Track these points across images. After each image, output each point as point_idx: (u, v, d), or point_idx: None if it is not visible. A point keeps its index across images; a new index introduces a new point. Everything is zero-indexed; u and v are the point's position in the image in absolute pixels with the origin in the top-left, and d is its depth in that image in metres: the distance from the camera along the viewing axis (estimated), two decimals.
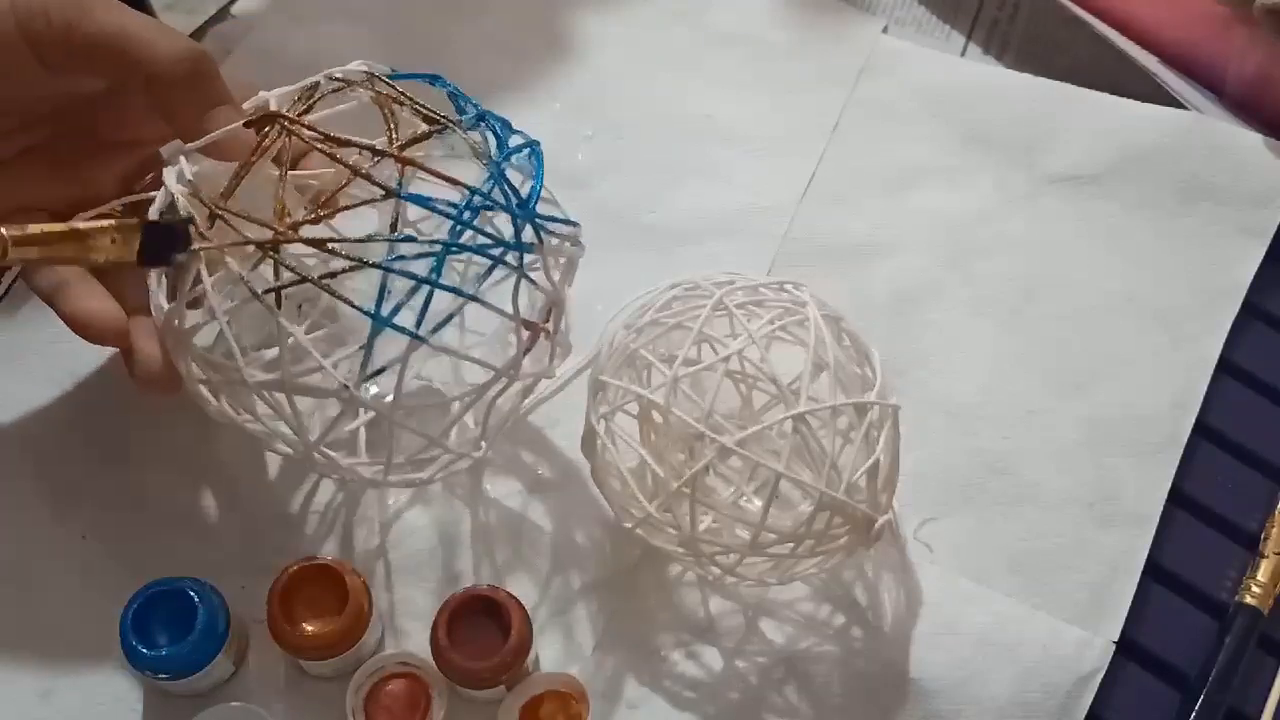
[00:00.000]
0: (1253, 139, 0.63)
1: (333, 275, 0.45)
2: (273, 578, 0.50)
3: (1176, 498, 0.56)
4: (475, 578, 0.54)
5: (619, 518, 0.51)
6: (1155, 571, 0.55)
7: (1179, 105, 0.64)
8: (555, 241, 0.49)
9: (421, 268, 0.45)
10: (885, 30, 0.68)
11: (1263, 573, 0.54)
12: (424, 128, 0.48)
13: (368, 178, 0.46)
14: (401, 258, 0.45)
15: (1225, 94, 0.66)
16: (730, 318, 0.49)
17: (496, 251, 0.46)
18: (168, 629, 0.49)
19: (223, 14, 0.67)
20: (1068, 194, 0.63)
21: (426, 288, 0.44)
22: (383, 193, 0.45)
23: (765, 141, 0.65)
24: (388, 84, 0.49)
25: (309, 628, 0.50)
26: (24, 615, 0.53)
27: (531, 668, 0.51)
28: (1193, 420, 0.57)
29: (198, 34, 0.66)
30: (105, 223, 0.45)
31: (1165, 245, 0.62)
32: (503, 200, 0.46)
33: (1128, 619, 0.53)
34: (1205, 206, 0.62)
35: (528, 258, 0.47)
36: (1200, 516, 0.56)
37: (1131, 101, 0.64)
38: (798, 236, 0.62)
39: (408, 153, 0.47)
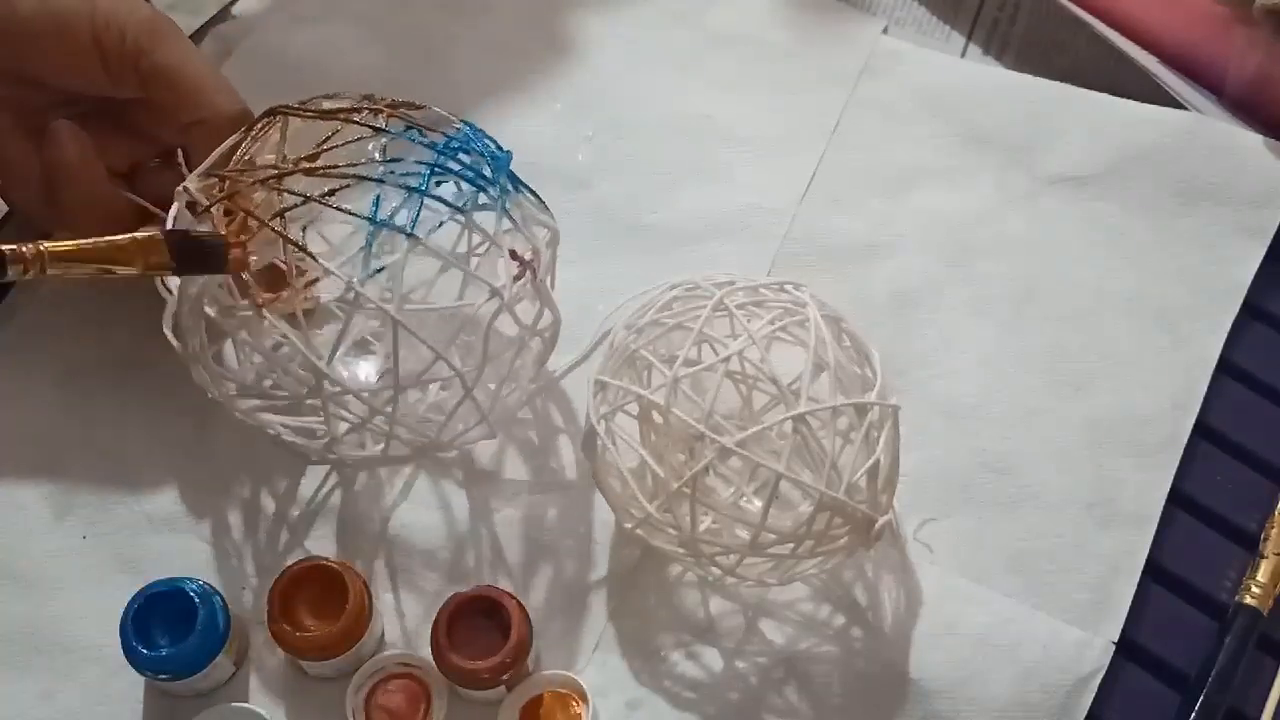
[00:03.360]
0: (1253, 139, 0.63)
1: (331, 193, 0.47)
2: (273, 578, 0.50)
3: (1176, 498, 0.56)
4: (475, 578, 0.54)
5: (619, 518, 0.51)
6: (1155, 572, 0.55)
7: (1179, 105, 0.64)
8: (529, 204, 0.50)
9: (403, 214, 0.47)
10: (885, 31, 0.68)
11: (1262, 573, 0.54)
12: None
13: (362, 124, 0.48)
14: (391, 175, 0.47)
15: (1225, 94, 0.66)
16: (730, 318, 0.49)
17: (472, 186, 0.48)
18: (168, 629, 0.49)
19: (224, 14, 0.67)
20: (1068, 194, 0.63)
21: (413, 206, 0.47)
22: (373, 132, 0.48)
23: (765, 142, 0.65)
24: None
25: (309, 628, 0.50)
26: (24, 615, 0.53)
27: (531, 668, 0.52)
28: (1193, 420, 0.57)
29: (199, 34, 0.66)
30: (127, 236, 0.46)
31: (1165, 245, 0.62)
32: (481, 150, 0.49)
33: (1128, 619, 0.53)
34: (1205, 207, 0.62)
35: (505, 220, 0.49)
36: (1200, 516, 0.56)
37: (1131, 102, 0.64)
38: (798, 237, 0.62)
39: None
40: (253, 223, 0.47)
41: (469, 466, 0.56)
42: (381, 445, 0.51)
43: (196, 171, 0.49)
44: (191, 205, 0.49)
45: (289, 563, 0.51)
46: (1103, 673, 0.52)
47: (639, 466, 0.50)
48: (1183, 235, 0.62)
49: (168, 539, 0.55)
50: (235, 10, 0.68)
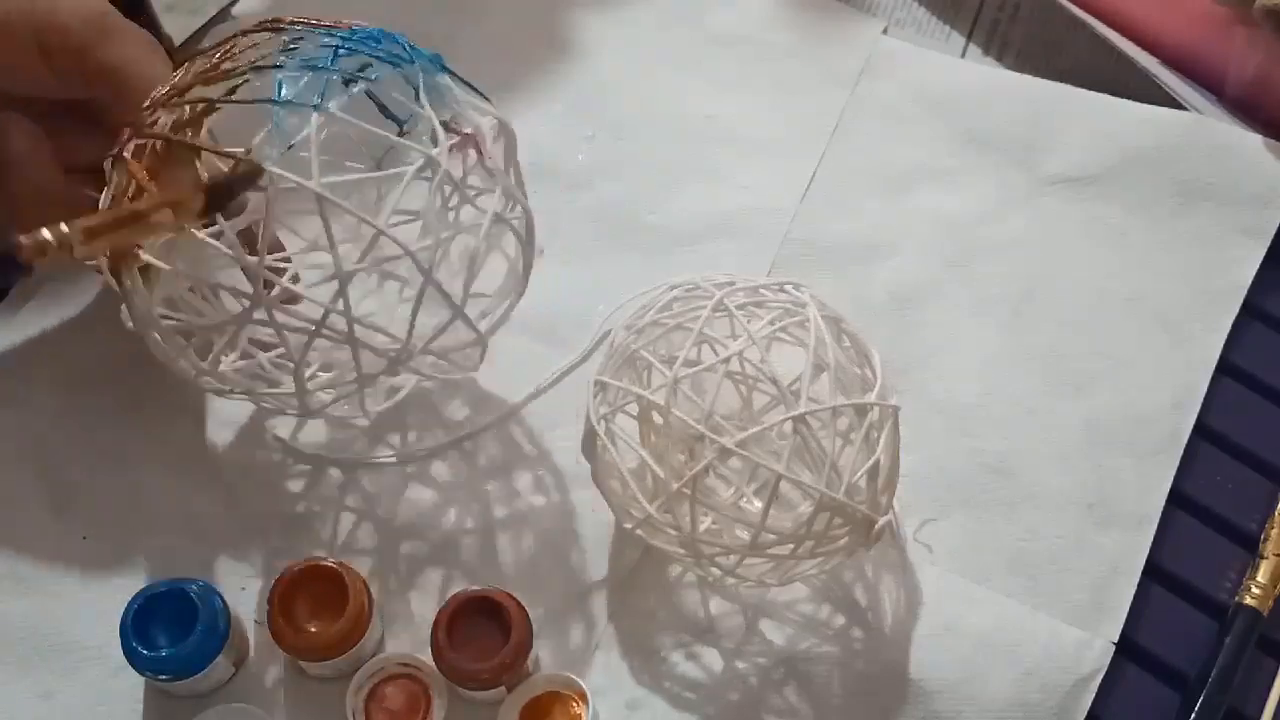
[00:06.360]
0: (1253, 139, 0.63)
1: (232, 90, 0.46)
2: (273, 578, 0.50)
3: (1176, 498, 0.56)
4: (475, 578, 0.54)
5: (619, 518, 0.51)
6: (1155, 572, 0.55)
7: (1179, 106, 0.64)
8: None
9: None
10: (885, 31, 0.68)
11: (1262, 574, 0.54)
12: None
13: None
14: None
15: (1225, 95, 0.66)
16: (730, 318, 0.49)
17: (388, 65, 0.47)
18: (168, 630, 0.49)
19: (223, 14, 0.67)
20: (1068, 195, 0.63)
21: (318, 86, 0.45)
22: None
23: (765, 142, 0.65)
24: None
25: (309, 628, 0.50)
26: (24, 615, 0.53)
27: (531, 668, 0.52)
28: (1193, 420, 0.57)
29: (198, 34, 0.66)
30: (163, 197, 0.45)
31: (1165, 246, 0.62)
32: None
33: (1128, 619, 0.53)
34: (1205, 207, 0.62)
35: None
36: (1200, 517, 0.56)
37: (1131, 102, 0.64)
38: (798, 237, 0.62)
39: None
40: (159, 146, 0.45)
41: (468, 467, 0.56)
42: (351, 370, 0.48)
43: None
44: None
45: (289, 563, 0.51)
46: (1103, 673, 0.52)
47: (639, 467, 0.50)
48: (1183, 235, 0.62)
49: (168, 539, 0.55)
50: (235, 10, 0.68)
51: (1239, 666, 0.52)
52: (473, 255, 0.48)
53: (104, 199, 0.48)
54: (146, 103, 0.48)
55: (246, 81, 0.46)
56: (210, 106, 0.46)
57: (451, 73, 0.49)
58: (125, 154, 0.47)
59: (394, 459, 0.56)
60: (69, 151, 0.53)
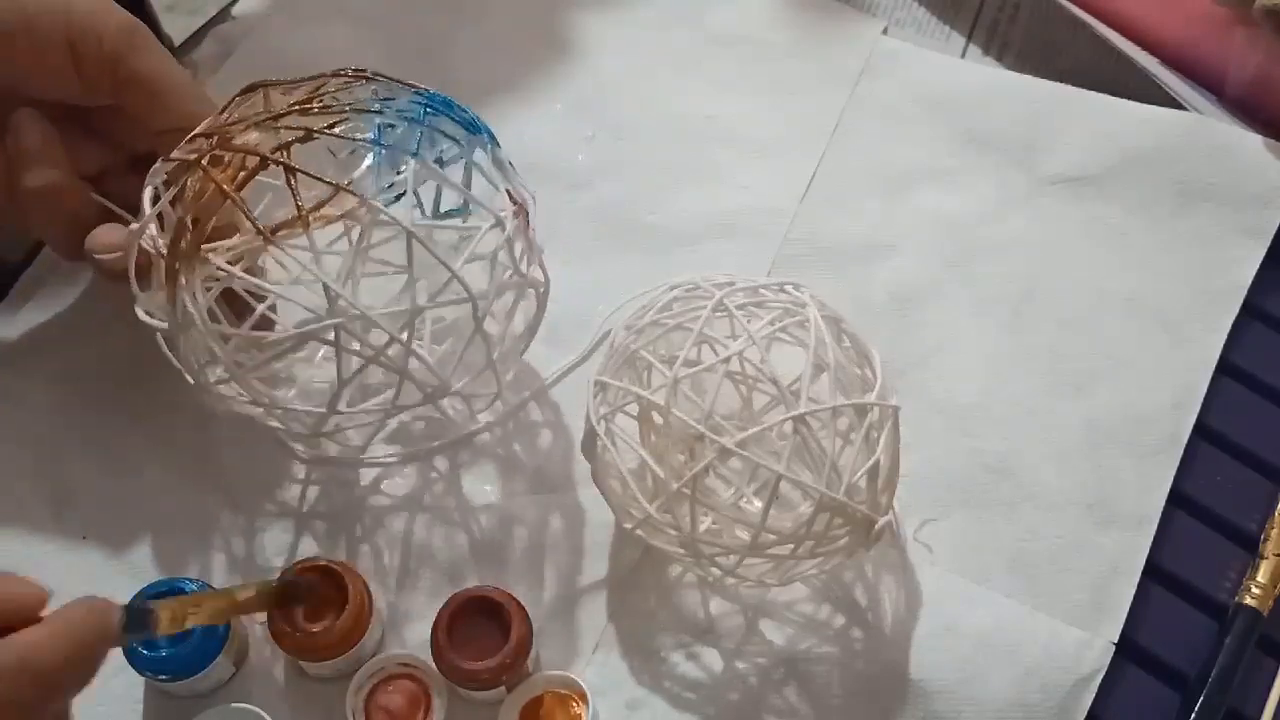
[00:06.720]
0: (1253, 140, 0.63)
1: (332, 125, 0.47)
2: (273, 578, 0.50)
3: (1176, 498, 0.56)
4: (475, 578, 0.54)
5: (619, 518, 0.51)
6: (1155, 572, 0.55)
7: (1179, 106, 0.64)
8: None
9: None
10: (885, 31, 0.68)
11: (1262, 574, 0.54)
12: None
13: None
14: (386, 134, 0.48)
15: (1225, 95, 0.66)
16: (730, 319, 0.49)
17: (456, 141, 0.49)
18: None
19: (223, 15, 0.67)
20: (1068, 195, 0.63)
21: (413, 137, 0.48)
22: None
23: (765, 142, 0.65)
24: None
25: (309, 629, 0.50)
26: None
27: (531, 668, 0.52)
28: (1193, 420, 0.57)
29: (199, 34, 0.66)
30: (253, 588, 0.49)
31: (1165, 246, 0.62)
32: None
33: (1128, 620, 0.53)
34: (1205, 207, 0.62)
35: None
36: (1200, 517, 0.56)
37: (1131, 103, 0.64)
38: (798, 237, 0.62)
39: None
40: (250, 161, 0.46)
41: (469, 467, 0.56)
42: (386, 395, 0.50)
43: (169, 155, 0.49)
44: (156, 195, 0.48)
45: (289, 563, 0.51)
46: (1103, 673, 0.52)
47: (639, 467, 0.50)
48: (1183, 235, 0.62)
49: (168, 539, 0.55)
50: (235, 10, 0.68)
51: (1239, 666, 0.52)
52: (509, 311, 0.52)
53: (147, 197, 0.49)
54: (232, 118, 0.49)
55: (346, 120, 0.48)
56: (309, 134, 0.47)
57: (499, 147, 0.52)
58: (203, 161, 0.47)
59: (394, 459, 0.56)
60: (71, 158, 0.53)
